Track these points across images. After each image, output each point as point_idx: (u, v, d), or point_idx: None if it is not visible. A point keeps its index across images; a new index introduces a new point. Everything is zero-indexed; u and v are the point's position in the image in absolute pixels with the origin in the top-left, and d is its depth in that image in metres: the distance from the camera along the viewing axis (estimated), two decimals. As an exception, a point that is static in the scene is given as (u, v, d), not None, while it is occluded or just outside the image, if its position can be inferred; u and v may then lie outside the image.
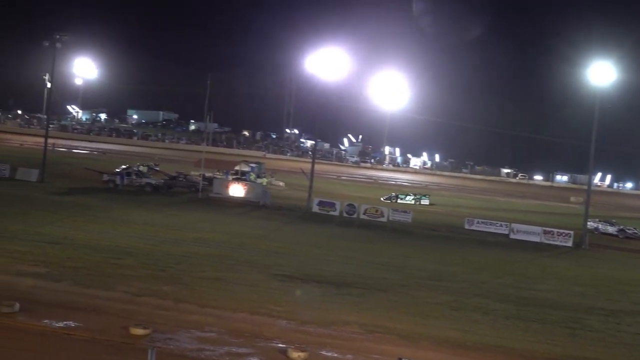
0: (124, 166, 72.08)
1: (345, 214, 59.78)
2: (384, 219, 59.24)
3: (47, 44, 68.88)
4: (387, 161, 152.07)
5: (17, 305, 23.31)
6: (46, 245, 34.67)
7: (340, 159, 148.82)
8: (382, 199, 75.05)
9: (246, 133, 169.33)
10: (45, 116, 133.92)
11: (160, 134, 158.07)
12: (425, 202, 76.69)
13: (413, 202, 75.52)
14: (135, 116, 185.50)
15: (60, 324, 22.54)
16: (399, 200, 74.91)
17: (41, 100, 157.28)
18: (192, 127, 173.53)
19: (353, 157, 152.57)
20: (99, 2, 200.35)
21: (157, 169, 77.03)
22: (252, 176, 73.28)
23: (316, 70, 66.72)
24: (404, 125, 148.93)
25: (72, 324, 22.66)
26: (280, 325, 24.83)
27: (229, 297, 27.84)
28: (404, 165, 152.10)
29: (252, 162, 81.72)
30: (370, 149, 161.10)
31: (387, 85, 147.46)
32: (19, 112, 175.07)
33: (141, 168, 69.31)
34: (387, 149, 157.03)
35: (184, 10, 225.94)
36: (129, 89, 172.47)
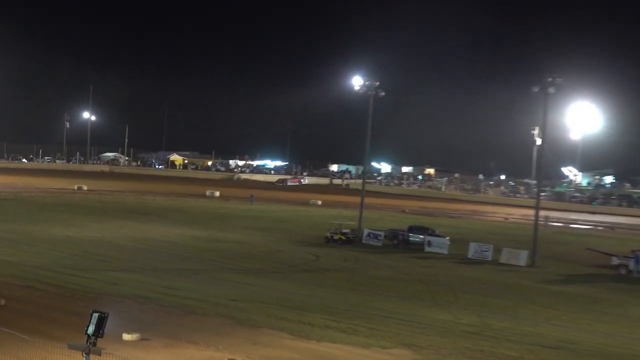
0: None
1: None
2: None
3: (536, 90, 70.81)
4: None
5: None
6: (541, 349, 35.32)
7: None
8: None
9: None
10: (534, 182, 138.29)
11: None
12: None
13: None
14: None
15: None
16: None
17: (529, 161, 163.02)
18: None
19: None
20: (594, 37, 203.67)
21: None
22: None
23: None
24: None
25: None
26: None
27: None
28: None
29: None
30: None
31: None
32: (502, 177, 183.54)
33: None
34: None
35: None
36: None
